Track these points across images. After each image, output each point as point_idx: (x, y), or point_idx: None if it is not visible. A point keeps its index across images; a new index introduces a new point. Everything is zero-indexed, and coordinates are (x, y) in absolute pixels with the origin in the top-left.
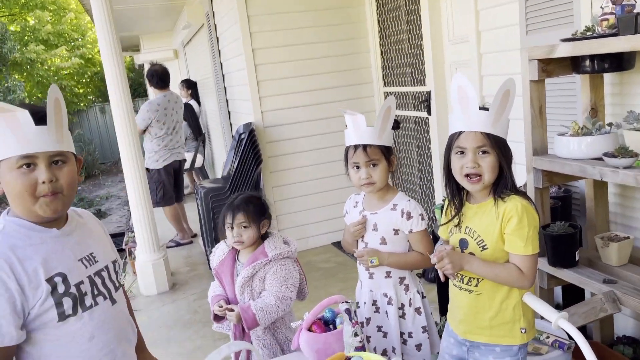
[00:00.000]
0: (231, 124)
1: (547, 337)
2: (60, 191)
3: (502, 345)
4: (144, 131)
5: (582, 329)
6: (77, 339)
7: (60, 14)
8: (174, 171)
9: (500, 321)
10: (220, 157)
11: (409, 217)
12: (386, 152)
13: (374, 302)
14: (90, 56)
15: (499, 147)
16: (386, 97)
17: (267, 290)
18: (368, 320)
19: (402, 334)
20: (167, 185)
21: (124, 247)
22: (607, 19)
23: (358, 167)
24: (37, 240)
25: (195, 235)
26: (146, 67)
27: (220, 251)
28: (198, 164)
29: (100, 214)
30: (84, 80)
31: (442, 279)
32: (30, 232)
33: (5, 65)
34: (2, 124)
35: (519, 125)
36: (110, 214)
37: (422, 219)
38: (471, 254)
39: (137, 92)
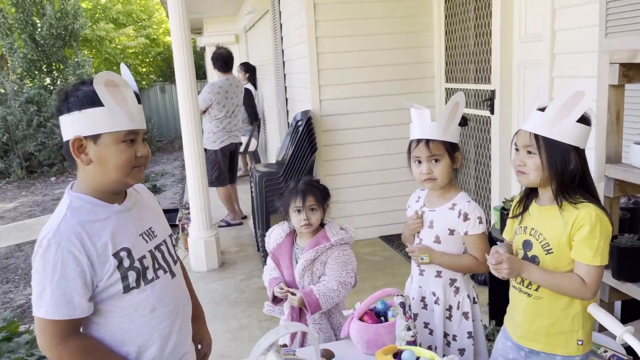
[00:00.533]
0: (288, 111)
1: (605, 351)
2: (144, 163)
3: (562, 355)
4: (204, 112)
5: None
6: (139, 311)
7: None
8: (230, 153)
9: (558, 330)
10: (273, 142)
11: (466, 218)
12: (450, 148)
13: (423, 299)
14: (155, 37)
15: (547, 149)
16: (447, 93)
17: (328, 275)
18: (415, 315)
19: (446, 335)
20: (222, 167)
21: (177, 222)
22: None
23: (420, 162)
24: (103, 216)
25: (245, 217)
26: (208, 50)
27: (276, 235)
28: (252, 147)
29: (155, 190)
30: (147, 60)
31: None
32: (96, 208)
33: (77, 40)
34: (110, 98)
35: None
36: (165, 190)
37: (480, 222)
38: (535, 256)
39: (197, 75)
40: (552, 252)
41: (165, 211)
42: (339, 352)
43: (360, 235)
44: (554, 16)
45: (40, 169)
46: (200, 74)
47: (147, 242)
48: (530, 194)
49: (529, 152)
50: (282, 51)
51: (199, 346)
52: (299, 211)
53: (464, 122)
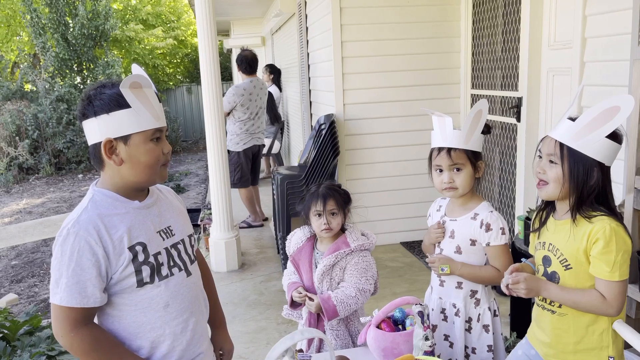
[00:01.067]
0: (311, 114)
1: None
2: (168, 160)
3: None
4: (228, 114)
5: None
6: (153, 306)
7: None
8: (253, 155)
9: (586, 346)
10: (296, 145)
11: (488, 229)
12: (473, 157)
13: (443, 310)
14: (183, 38)
15: (570, 160)
16: (473, 100)
17: (347, 281)
18: (434, 327)
19: (465, 347)
20: (245, 168)
21: (199, 222)
22: None
23: (441, 171)
24: (122, 210)
25: (266, 219)
26: (234, 52)
27: (297, 238)
28: (275, 150)
29: (178, 189)
30: (174, 61)
31: (507, 293)
32: (116, 203)
33: (107, 41)
34: (136, 100)
35: None
36: (188, 189)
37: (503, 233)
38: (554, 272)
39: (223, 76)
40: (571, 268)
41: (188, 211)
42: (355, 359)
43: (381, 240)
44: (584, 23)
45: (68, 165)
46: (227, 76)
47: (163, 239)
48: (547, 208)
49: (552, 162)
50: (307, 54)
51: (220, 352)
52: (319, 215)
53: (487, 130)
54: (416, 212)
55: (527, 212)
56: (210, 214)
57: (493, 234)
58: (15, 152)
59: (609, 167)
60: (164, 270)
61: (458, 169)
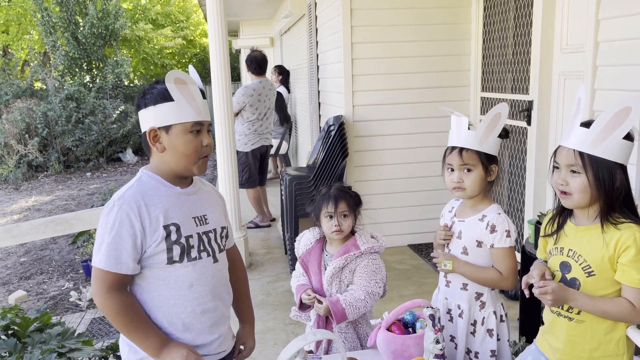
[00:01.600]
0: (320, 115)
1: None
2: (208, 154)
3: None
4: (237, 114)
5: None
6: (179, 283)
7: None
8: (261, 155)
9: (602, 354)
10: (304, 146)
11: (493, 230)
12: (486, 159)
13: (449, 311)
14: (191, 38)
15: (594, 167)
16: (482, 102)
17: (356, 284)
18: (442, 327)
19: (469, 351)
20: (253, 169)
21: None
22: None
23: (452, 170)
24: (164, 192)
25: (273, 220)
26: (243, 53)
27: (306, 240)
28: (282, 150)
29: None
30: (183, 61)
31: (527, 295)
32: (159, 185)
33: (116, 40)
34: (178, 94)
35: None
36: None
37: (508, 235)
38: (574, 278)
39: (231, 77)
40: (594, 275)
41: None
42: None
43: (388, 242)
44: (597, 27)
45: (76, 164)
46: (235, 76)
47: (197, 225)
48: (563, 212)
49: (573, 172)
50: (317, 55)
51: (242, 347)
52: (330, 217)
53: (504, 134)
54: (424, 215)
55: (538, 216)
56: None
57: (497, 236)
58: (24, 149)
59: (626, 167)
60: (193, 253)
61: (468, 170)
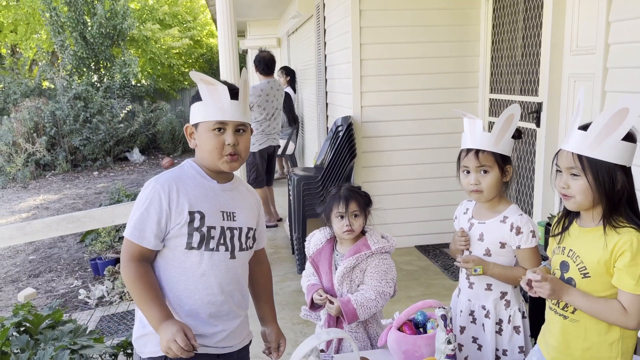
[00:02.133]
0: (327, 116)
1: None
2: (238, 153)
3: None
4: None
5: None
6: (192, 270)
7: None
8: (268, 156)
9: (594, 355)
10: (311, 146)
11: (519, 232)
12: (501, 160)
13: (472, 313)
14: (199, 38)
15: (593, 170)
16: (491, 104)
17: (367, 284)
18: (463, 329)
19: (496, 350)
20: (260, 169)
21: None
22: None
23: (468, 172)
24: (200, 182)
25: (280, 220)
26: (250, 53)
27: (316, 240)
28: (289, 151)
29: None
30: (190, 61)
31: (527, 290)
32: (197, 176)
33: (124, 40)
34: (206, 94)
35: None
36: None
37: (533, 235)
38: (571, 278)
39: None
40: (589, 277)
41: None
42: None
43: (396, 243)
44: (608, 29)
45: (84, 163)
46: None
47: (223, 219)
48: (570, 213)
49: (573, 175)
50: (325, 56)
51: (280, 344)
52: (341, 217)
53: (518, 134)
54: (432, 216)
55: (549, 218)
56: None
57: (524, 237)
58: (32, 148)
59: (630, 167)
60: (212, 244)
61: (485, 171)
